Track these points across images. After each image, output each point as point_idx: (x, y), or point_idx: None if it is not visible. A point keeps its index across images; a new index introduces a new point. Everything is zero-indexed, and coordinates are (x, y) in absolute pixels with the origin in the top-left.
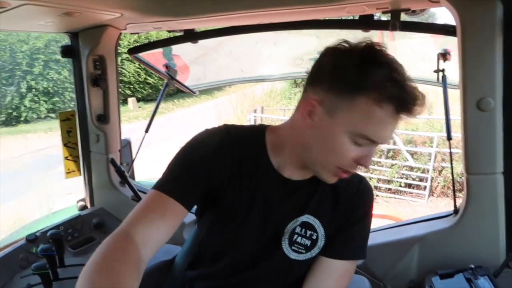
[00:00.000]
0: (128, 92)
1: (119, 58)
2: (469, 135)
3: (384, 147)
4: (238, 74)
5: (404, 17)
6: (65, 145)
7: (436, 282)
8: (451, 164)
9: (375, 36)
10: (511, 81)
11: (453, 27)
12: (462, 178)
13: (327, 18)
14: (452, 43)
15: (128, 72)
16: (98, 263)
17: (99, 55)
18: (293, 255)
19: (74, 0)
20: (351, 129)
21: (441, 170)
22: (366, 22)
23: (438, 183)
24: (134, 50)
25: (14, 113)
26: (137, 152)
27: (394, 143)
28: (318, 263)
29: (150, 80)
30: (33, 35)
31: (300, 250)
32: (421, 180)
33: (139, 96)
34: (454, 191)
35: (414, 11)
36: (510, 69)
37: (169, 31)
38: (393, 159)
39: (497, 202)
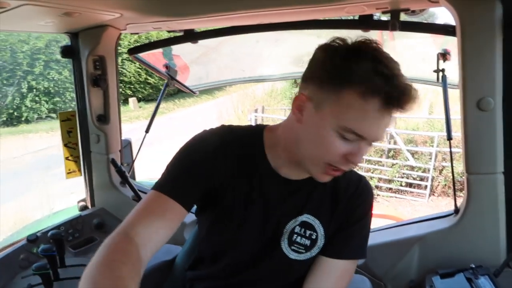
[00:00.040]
0: (129, 92)
1: (120, 58)
2: (469, 135)
3: (385, 146)
4: (238, 74)
5: (403, 17)
6: (65, 145)
7: (436, 282)
8: (452, 164)
9: (375, 36)
10: (511, 81)
11: (453, 27)
12: (463, 177)
13: (327, 18)
14: (452, 43)
15: (129, 72)
16: (100, 264)
17: (99, 55)
18: (292, 255)
19: (74, 0)
20: (338, 122)
21: (442, 170)
22: (366, 22)
23: (439, 182)
24: (134, 50)
25: (15, 113)
26: (138, 152)
27: (395, 143)
28: (318, 263)
29: (151, 80)
30: (33, 35)
31: (299, 250)
32: (422, 179)
33: (139, 96)
34: (454, 190)
35: (413, 11)
36: (510, 69)
37: (169, 31)
38: (394, 159)
39: (498, 202)
